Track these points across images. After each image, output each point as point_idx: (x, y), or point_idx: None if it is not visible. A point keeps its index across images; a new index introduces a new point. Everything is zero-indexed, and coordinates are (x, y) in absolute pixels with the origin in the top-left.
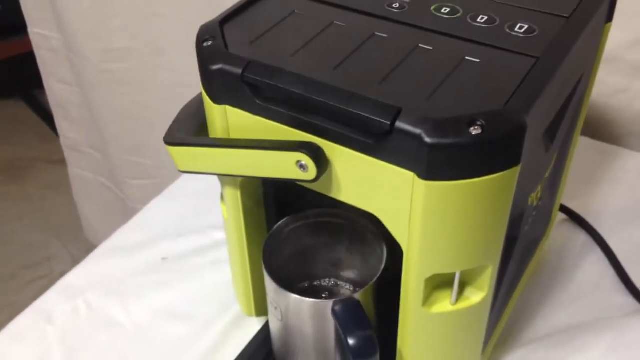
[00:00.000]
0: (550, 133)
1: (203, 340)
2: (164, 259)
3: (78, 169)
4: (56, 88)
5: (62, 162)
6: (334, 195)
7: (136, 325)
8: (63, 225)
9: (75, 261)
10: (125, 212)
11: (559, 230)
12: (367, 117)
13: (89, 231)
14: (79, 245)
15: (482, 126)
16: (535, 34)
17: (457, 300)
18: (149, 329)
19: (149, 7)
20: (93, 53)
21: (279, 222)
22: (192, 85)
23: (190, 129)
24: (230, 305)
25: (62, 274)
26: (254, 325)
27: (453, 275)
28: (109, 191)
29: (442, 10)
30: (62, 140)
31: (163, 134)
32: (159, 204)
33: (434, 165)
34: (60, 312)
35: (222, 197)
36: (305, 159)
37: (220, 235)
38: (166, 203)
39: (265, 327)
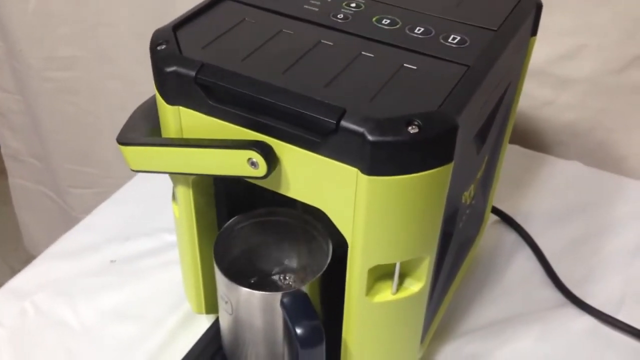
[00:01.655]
0: (481, 136)
1: (153, 339)
2: (112, 261)
3: (19, 179)
4: None
5: (1, 172)
6: (283, 191)
7: (85, 326)
8: (2, 236)
9: (14, 273)
10: (67, 222)
11: (492, 230)
12: (314, 116)
13: (29, 242)
14: (18, 257)
15: (418, 126)
16: (466, 44)
17: (397, 290)
18: (98, 330)
19: (96, 16)
20: (37, 61)
21: (230, 221)
22: (141, 93)
23: (142, 130)
24: (180, 304)
25: (1, 285)
26: (204, 323)
27: (394, 266)
28: (51, 201)
29: (383, 22)
30: (3, 149)
31: (111, 142)
32: (106, 209)
33: (376, 161)
34: (8, 314)
35: (173, 196)
36: (256, 157)
37: (169, 237)
38: (114, 208)
39: (215, 324)
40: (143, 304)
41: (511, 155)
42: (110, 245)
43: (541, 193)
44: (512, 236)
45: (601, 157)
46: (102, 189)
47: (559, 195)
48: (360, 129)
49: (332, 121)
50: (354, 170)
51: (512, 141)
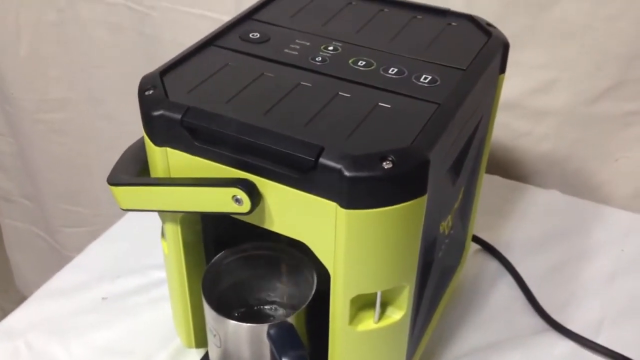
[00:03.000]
0: (455, 169)
1: None
2: (103, 298)
3: (10, 220)
4: None
5: None
6: (267, 226)
7: None
8: None
9: (6, 314)
10: (59, 261)
11: (473, 259)
12: (294, 154)
13: (21, 283)
14: (10, 298)
15: (392, 161)
16: (437, 83)
17: (379, 318)
18: None
19: (86, 58)
20: (29, 103)
21: (217, 255)
22: (130, 133)
23: (132, 170)
24: (171, 339)
25: None
26: (194, 357)
27: (375, 296)
28: (43, 241)
29: (359, 63)
30: None
31: (102, 181)
32: (96, 247)
33: (353, 195)
34: (1, 354)
35: (162, 233)
36: (240, 194)
37: (159, 274)
38: (104, 246)
39: (205, 358)
40: (134, 340)
41: (491, 185)
42: (101, 283)
43: (521, 222)
44: (493, 264)
45: (578, 185)
46: (93, 227)
47: (539, 223)
48: (338, 166)
49: (310, 158)
50: (332, 205)
51: (492, 172)
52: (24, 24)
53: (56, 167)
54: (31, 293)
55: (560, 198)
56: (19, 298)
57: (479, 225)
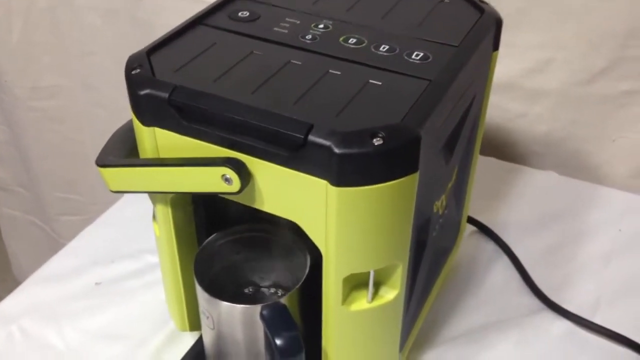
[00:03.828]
0: (449, 147)
1: (139, 358)
2: (97, 283)
3: (6, 208)
4: None
5: None
6: (257, 205)
7: (71, 348)
8: None
9: (1, 300)
10: (55, 249)
11: (469, 241)
12: (283, 132)
13: (17, 271)
14: (7, 287)
15: (382, 137)
16: (429, 60)
17: (372, 298)
18: (84, 351)
19: (79, 45)
20: (21, 91)
21: (209, 238)
22: (124, 119)
23: (121, 153)
24: (165, 323)
25: None
26: (188, 340)
27: (368, 275)
28: (39, 229)
29: (350, 41)
30: None
31: (96, 169)
32: (90, 233)
33: (343, 173)
34: None
35: (154, 216)
36: (230, 173)
37: (153, 258)
38: (97, 231)
39: (199, 341)
40: (128, 325)
41: (488, 167)
42: (95, 268)
43: (517, 203)
44: (489, 246)
45: (575, 166)
46: (89, 215)
47: (535, 204)
48: (327, 143)
49: (300, 136)
50: (323, 183)
51: (488, 153)
52: (15, 10)
53: (51, 155)
54: (26, 279)
55: (556, 179)
56: (16, 286)
57: (475, 207)
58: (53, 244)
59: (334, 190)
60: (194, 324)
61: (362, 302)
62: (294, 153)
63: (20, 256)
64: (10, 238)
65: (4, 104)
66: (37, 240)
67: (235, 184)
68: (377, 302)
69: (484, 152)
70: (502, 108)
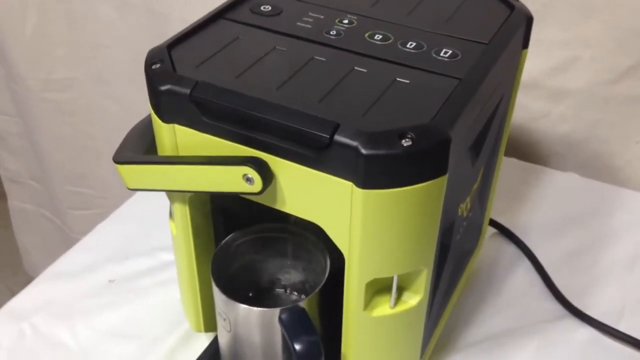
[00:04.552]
0: (476, 148)
1: (152, 358)
2: (110, 281)
3: (18, 201)
4: None
5: (0, 195)
6: (279, 206)
7: (83, 346)
8: (1, 260)
9: (13, 296)
10: (67, 243)
11: (490, 243)
12: (308, 131)
13: (29, 265)
14: (18, 280)
15: (412, 138)
16: (458, 58)
17: (395, 303)
18: (96, 350)
19: (93, 37)
20: (35, 83)
21: (227, 238)
22: (138, 113)
23: (138, 149)
24: (179, 323)
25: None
26: (203, 341)
27: (391, 280)
28: (50, 223)
29: (375, 37)
30: (2, 172)
31: (109, 163)
32: (104, 228)
33: (370, 174)
34: (6, 335)
35: (170, 214)
36: (251, 173)
37: (167, 256)
38: (112, 227)
39: (214, 342)
40: (142, 324)
41: (508, 167)
42: (109, 265)
43: (539, 205)
44: (510, 248)
45: (597, 167)
46: (101, 209)
47: (557, 206)
48: (354, 143)
49: (325, 136)
50: (348, 184)
51: (509, 154)
52: (29, 2)
53: (63, 148)
54: (39, 275)
55: (578, 181)
56: (27, 280)
57: (495, 209)
58: (64, 237)
59: (359, 192)
60: (209, 324)
61: (384, 308)
62: (318, 153)
63: (31, 249)
64: (21, 231)
65: (17, 95)
66: (48, 233)
67: (257, 184)
68: (400, 308)
69: (505, 152)
70: (524, 107)
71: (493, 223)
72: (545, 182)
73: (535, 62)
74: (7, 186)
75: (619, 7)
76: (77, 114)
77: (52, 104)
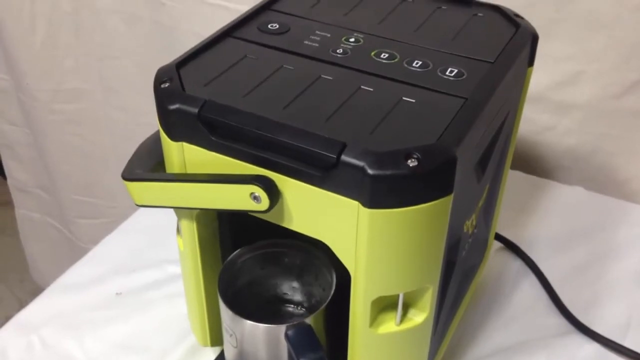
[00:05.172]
0: (481, 165)
1: None
2: (118, 293)
3: (25, 210)
4: (4, 129)
5: (8, 203)
6: (286, 224)
7: (91, 358)
8: (9, 268)
9: (22, 304)
10: (74, 252)
11: (496, 258)
12: (315, 151)
13: (35, 273)
14: (25, 289)
15: (417, 159)
16: (464, 77)
17: (401, 321)
18: None
19: (101, 49)
20: (43, 94)
21: (233, 253)
22: (145, 124)
23: (147, 165)
24: (186, 336)
25: (9, 318)
26: (210, 356)
27: (397, 297)
28: (58, 232)
29: (382, 56)
30: (10, 181)
31: (117, 172)
32: (112, 240)
33: (376, 194)
34: (15, 348)
35: (178, 230)
36: (259, 191)
37: (174, 269)
38: (119, 239)
39: (220, 357)
40: (149, 337)
41: (513, 181)
42: (116, 278)
43: (544, 219)
44: (516, 263)
45: (603, 181)
46: (108, 219)
47: (562, 220)
48: (361, 163)
49: (332, 155)
50: (355, 204)
51: (514, 167)
52: (39, 14)
53: (71, 158)
54: (46, 284)
55: (584, 194)
56: (34, 288)
57: (501, 222)
58: (71, 247)
59: (365, 212)
60: (216, 339)
61: (390, 325)
62: (325, 173)
63: (39, 258)
64: (28, 240)
65: (26, 106)
66: (55, 242)
67: (264, 203)
68: (406, 325)
69: (511, 165)
70: (530, 120)
71: (498, 237)
72: (551, 195)
73: (541, 76)
74: (15, 195)
75: (624, 22)
76: (85, 124)
77: (61, 114)
